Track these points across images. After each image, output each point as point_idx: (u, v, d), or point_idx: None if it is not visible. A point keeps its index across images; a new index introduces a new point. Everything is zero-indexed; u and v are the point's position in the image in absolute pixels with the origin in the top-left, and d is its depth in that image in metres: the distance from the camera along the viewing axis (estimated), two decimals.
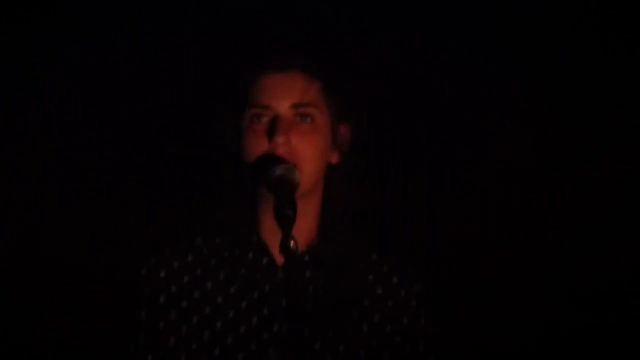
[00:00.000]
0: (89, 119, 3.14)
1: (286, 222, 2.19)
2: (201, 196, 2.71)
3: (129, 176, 3.16)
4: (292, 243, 2.15)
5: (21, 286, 3.11)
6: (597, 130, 3.09)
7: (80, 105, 3.13)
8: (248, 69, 2.55)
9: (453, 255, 3.14)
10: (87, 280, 3.12)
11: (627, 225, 3.08)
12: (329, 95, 2.55)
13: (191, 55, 3.15)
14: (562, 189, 3.13)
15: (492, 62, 3.11)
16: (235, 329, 2.47)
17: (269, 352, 2.45)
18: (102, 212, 3.16)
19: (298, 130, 2.48)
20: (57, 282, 3.11)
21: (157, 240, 2.59)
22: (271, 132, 2.46)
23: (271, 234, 2.50)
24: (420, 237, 3.13)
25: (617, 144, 3.08)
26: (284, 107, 2.49)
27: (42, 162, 3.13)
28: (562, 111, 3.10)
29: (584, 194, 3.10)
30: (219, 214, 2.56)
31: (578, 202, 3.11)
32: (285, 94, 2.50)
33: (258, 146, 2.47)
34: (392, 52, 3.14)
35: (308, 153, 2.47)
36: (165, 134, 3.17)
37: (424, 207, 3.17)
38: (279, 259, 2.51)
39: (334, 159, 2.57)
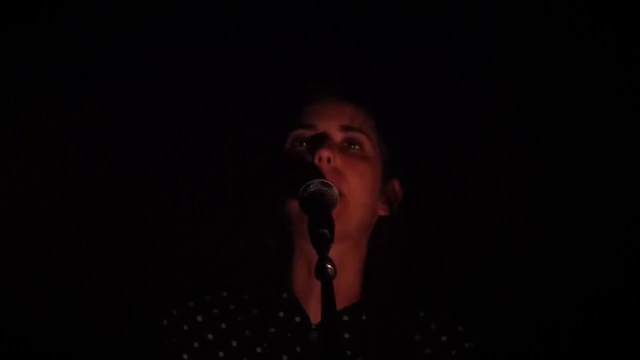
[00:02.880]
0: (85, 108, 3.07)
1: (322, 241, 1.91)
2: (228, 245, 2.51)
3: (154, 220, 3.05)
4: (329, 267, 1.86)
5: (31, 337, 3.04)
6: (598, 130, 3.06)
7: (75, 97, 3.07)
8: (295, 94, 2.36)
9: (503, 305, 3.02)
10: (82, 271, 3.05)
11: (628, 225, 3.04)
12: (380, 137, 2.34)
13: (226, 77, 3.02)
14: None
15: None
16: None
17: None
18: (124, 258, 3.06)
19: (346, 154, 2.25)
20: (51, 272, 3.05)
21: (180, 290, 2.44)
22: (314, 148, 2.23)
23: (303, 289, 2.28)
24: (447, 224, 3.02)
25: (617, 144, 3.05)
26: (331, 127, 2.28)
27: (34, 153, 3.07)
28: (563, 111, 3.08)
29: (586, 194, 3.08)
30: (247, 266, 2.34)
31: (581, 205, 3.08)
32: (332, 115, 2.30)
33: (297, 168, 2.23)
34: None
35: (356, 179, 2.24)
36: (192, 171, 3.04)
37: (450, 194, 3.06)
38: (313, 317, 2.26)
39: (383, 210, 2.35)
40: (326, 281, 1.86)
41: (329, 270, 1.86)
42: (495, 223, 3.09)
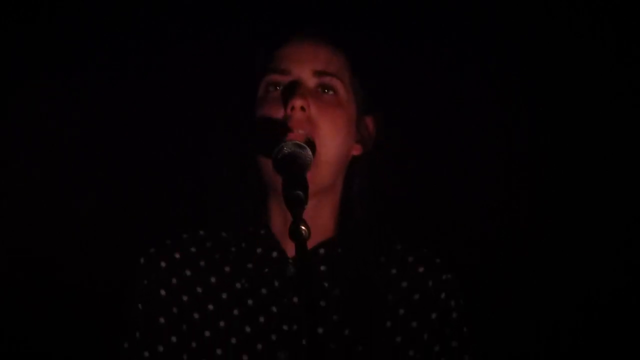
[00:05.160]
0: (85, 108, 3.07)
1: (295, 203, 1.92)
2: (204, 185, 2.48)
3: (129, 164, 3.05)
4: (303, 228, 1.87)
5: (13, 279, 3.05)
6: (598, 130, 3.06)
7: (76, 97, 3.07)
8: (267, 36, 2.33)
9: (481, 242, 3.02)
10: (82, 270, 3.05)
11: (628, 225, 3.04)
12: (355, 78, 2.32)
13: (197, 26, 3.02)
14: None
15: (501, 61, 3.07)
16: (240, 328, 2.26)
17: (276, 354, 2.24)
18: (101, 203, 3.07)
19: (319, 101, 2.24)
20: (51, 272, 3.05)
21: (157, 232, 2.44)
22: (287, 96, 2.22)
23: (281, 226, 2.29)
24: (447, 224, 3.03)
25: (617, 144, 3.05)
26: (304, 72, 2.26)
27: (34, 152, 3.07)
28: (563, 112, 3.08)
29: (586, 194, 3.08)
30: (224, 205, 2.35)
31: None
32: (307, 60, 2.27)
33: (271, 114, 2.23)
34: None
35: (329, 128, 2.23)
36: (166, 116, 3.03)
37: (450, 194, 3.07)
38: (290, 253, 2.30)
39: (356, 150, 2.35)
40: (300, 243, 1.87)
41: (303, 232, 1.87)
42: (495, 223, 3.09)
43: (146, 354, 2.28)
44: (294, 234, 1.87)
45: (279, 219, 2.31)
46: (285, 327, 2.25)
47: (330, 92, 2.27)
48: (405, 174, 2.51)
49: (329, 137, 2.24)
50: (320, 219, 2.29)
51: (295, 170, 2.03)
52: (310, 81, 2.26)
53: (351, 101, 2.31)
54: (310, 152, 2.09)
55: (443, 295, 2.31)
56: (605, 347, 3.02)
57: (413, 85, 3.05)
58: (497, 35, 3.05)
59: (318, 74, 2.26)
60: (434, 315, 2.30)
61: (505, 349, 3.04)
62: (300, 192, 1.93)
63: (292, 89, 2.23)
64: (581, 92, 3.05)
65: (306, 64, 2.27)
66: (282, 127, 2.20)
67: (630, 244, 3.02)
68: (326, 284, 2.29)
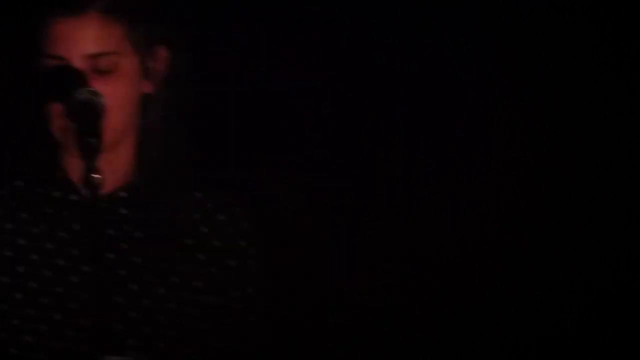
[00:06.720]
0: None
1: (90, 151, 1.93)
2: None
3: None
4: (97, 177, 1.90)
5: None
6: (598, 130, 3.07)
7: None
8: (35, 13, 2.20)
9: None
10: None
11: (629, 225, 3.05)
12: (134, 26, 2.21)
13: None
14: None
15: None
16: (38, 272, 2.22)
17: (78, 296, 2.21)
18: None
19: (97, 83, 2.14)
20: None
21: None
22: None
23: (78, 168, 2.17)
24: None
25: (617, 144, 3.06)
26: (76, 57, 2.14)
27: None
28: (563, 111, 3.09)
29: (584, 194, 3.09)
30: (13, 151, 2.27)
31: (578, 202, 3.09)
32: (79, 43, 2.15)
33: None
34: None
35: (111, 105, 2.14)
36: None
37: (450, 194, 3.09)
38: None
39: (147, 87, 2.26)
40: (94, 192, 1.90)
41: (97, 180, 1.90)
42: (495, 223, 3.10)
43: None
44: (88, 183, 1.90)
45: (75, 161, 2.18)
46: (86, 269, 2.22)
47: (109, 71, 2.18)
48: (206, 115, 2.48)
49: (113, 113, 2.15)
50: (118, 162, 2.24)
51: (88, 117, 2.01)
52: (86, 64, 2.15)
53: (133, 59, 2.22)
54: (104, 99, 2.07)
55: (243, 243, 2.31)
56: (606, 347, 3.03)
57: (413, 85, 3.06)
58: (497, 35, 3.06)
59: (93, 56, 2.16)
60: (233, 263, 2.30)
61: (505, 348, 3.04)
62: (93, 139, 1.95)
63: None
64: (581, 92, 3.06)
65: (78, 48, 2.16)
66: (66, 69, 2.12)
67: (630, 244, 3.03)
68: (126, 227, 2.26)
